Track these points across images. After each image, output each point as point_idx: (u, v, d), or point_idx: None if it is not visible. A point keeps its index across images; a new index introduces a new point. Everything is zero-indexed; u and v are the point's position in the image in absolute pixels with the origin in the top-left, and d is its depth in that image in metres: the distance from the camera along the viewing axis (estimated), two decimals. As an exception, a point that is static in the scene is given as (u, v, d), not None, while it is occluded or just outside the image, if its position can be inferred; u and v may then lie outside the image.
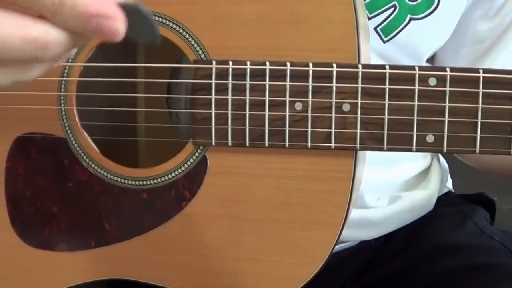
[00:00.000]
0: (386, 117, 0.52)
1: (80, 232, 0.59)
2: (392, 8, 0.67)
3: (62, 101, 0.58)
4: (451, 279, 0.65)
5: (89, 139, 0.58)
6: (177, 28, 0.55)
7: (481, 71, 0.51)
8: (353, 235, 0.70)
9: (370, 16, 0.67)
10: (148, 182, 0.57)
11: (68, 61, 0.57)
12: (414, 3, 0.67)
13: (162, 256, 0.57)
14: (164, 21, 0.55)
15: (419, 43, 0.68)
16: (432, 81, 0.51)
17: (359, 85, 0.52)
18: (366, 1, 0.67)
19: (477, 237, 0.69)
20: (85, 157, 0.58)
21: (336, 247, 0.72)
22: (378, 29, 0.68)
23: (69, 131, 0.58)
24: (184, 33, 0.55)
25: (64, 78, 0.57)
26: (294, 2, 0.53)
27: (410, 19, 0.67)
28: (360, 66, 0.52)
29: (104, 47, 0.57)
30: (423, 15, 0.67)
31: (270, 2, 0.53)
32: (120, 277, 0.59)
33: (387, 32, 0.68)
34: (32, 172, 0.59)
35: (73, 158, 0.58)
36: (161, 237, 0.57)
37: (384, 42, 0.67)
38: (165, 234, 0.57)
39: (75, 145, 0.58)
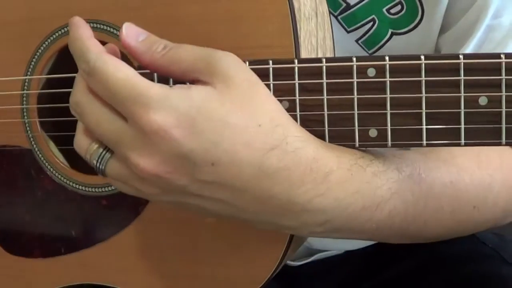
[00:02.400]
0: (326, 113, 0.49)
1: (51, 239, 0.61)
2: (371, 22, 0.63)
3: (25, 114, 0.59)
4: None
5: (52, 149, 0.59)
6: (121, 35, 0.55)
7: (422, 57, 0.47)
8: (338, 245, 0.68)
9: (349, 29, 0.64)
10: (106, 189, 0.57)
11: (27, 74, 0.59)
12: (395, 16, 0.63)
13: (125, 262, 0.58)
14: (110, 29, 0.55)
15: None
16: (371, 72, 0.48)
17: (296, 81, 0.49)
18: (343, 15, 0.64)
19: (469, 243, 0.64)
20: (49, 167, 0.59)
21: (322, 254, 0.70)
22: (360, 42, 0.65)
23: (33, 142, 0.60)
24: (128, 40, 0.55)
25: (24, 92, 0.59)
26: (229, 0, 0.52)
27: (392, 34, 0.64)
28: (296, 61, 0.49)
29: (64, 56, 0.58)
30: (406, 29, 0.63)
31: (205, 1, 0.52)
32: (89, 282, 0.60)
33: (369, 45, 0.65)
34: (5, 183, 0.62)
35: (39, 168, 0.60)
36: (122, 243, 0.57)
37: (369, 54, 0.64)
38: (125, 240, 0.57)
39: (40, 155, 0.60)
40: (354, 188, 0.47)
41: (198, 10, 0.52)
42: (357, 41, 0.64)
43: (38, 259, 0.61)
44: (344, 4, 0.63)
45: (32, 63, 0.59)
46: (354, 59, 0.48)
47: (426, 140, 0.48)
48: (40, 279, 0.62)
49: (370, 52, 0.64)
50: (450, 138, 0.47)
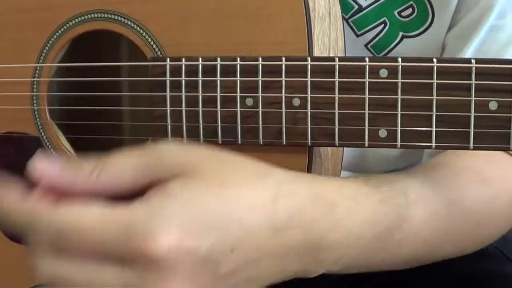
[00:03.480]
0: (336, 111, 0.50)
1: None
2: (382, 25, 0.64)
3: (34, 101, 0.60)
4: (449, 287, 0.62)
5: (60, 137, 0.59)
6: (135, 27, 0.55)
7: (434, 60, 0.47)
8: None
9: (359, 33, 0.64)
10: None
11: (38, 62, 0.59)
12: (406, 19, 0.64)
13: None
14: (124, 20, 0.56)
15: None
16: (383, 73, 0.49)
17: (308, 78, 0.50)
18: (354, 17, 0.64)
19: None
20: (56, 155, 0.59)
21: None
22: (369, 46, 0.65)
23: (41, 130, 0.60)
24: (141, 32, 0.55)
25: (35, 79, 0.59)
26: (246, -5, 0.52)
27: (403, 37, 0.64)
28: (309, 59, 0.50)
29: (76, 45, 0.59)
30: (416, 32, 0.64)
31: (222, -4, 0.53)
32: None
33: (378, 49, 0.65)
34: (12, 170, 0.62)
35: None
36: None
37: None
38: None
39: (47, 143, 0.60)
40: (362, 217, 0.45)
41: (214, 4, 0.53)
42: (366, 45, 0.65)
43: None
44: (356, 6, 0.64)
45: (45, 51, 0.59)
46: (367, 59, 0.49)
47: (435, 142, 0.48)
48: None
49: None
50: (459, 141, 0.48)
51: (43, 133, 0.60)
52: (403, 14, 0.63)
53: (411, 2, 0.63)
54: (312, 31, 0.51)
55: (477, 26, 0.62)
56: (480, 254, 0.60)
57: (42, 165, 0.41)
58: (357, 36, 0.64)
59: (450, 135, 0.48)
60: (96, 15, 0.57)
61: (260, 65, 0.51)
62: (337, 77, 0.49)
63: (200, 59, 0.52)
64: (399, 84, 0.48)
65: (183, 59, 0.53)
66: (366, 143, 0.50)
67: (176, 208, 0.36)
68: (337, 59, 0.49)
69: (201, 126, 0.53)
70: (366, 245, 0.46)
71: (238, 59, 0.51)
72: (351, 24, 0.64)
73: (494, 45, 0.61)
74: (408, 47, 0.64)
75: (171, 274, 0.35)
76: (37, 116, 0.60)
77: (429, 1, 0.62)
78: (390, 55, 0.64)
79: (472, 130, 0.47)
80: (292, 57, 0.50)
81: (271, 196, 0.40)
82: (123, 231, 0.36)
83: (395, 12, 0.63)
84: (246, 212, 0.38)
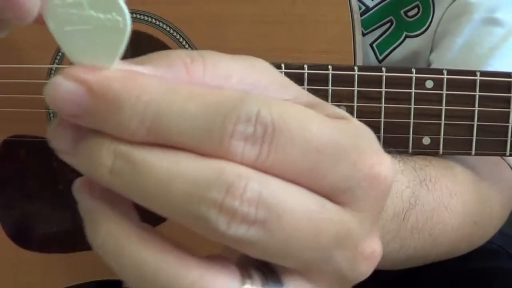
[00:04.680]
0: (382, 120, 0.52)
1: (72, 234, 0.58)
2: (389, 23, 0.65)
3: (50, 103, 0.56)
4: (452, 285, 0.65)
5: (78, 141, 0.57)
6: (168, 29, 0.53)
7: (478, 73, 0.50)
8: None
9: (365, 32, 0.65)
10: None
11: (54, 63, 0.55)
12: (411, 19, 0.65)
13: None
14: (154, 21, 0.53)
15: (412, 61, 0.66)
16: (429, 84, 0.51)
17: (355, 88, 0.51)
18: (362, 18, 0.65)
19: None
20: (75, 160, 0.57)
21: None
22: (374, 45, 0.66)
23: (58, 134, 0.56)
24: (175, 34, 0.53)
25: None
26: (288, 2, 0.52)
27: (406, 37, 0.66)
28: (356, 68, 0.51)
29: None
30: (418, 32, 0.65)
31: (263, 2, 0.52)
32: (114, 278, 0.58)
33: (382, 49, 0.66)
34: (21, 174, 0.58)
35: (62, 160, 0.57)
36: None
37: (379, 62, 0.65)
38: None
39: (65, 147, 0.57)
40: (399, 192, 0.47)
41: (256, 10, 0.52)
42: (371, 44, 0.66)
43: (55, 254, 0.58)
44: (363, 7, 0.65)
45: (61, 51, 0.55)
46: (413, 70, 0.51)
47: (475, 150, 0.51)
48: (55, 275, 0.59)
49: (380, 58, 0.66)
50: (497, 149, 0.51)
51: (59, 137, 0.56)
52: (409, 14, 0.65)
53: (417, 2, 0.65)
54: (356, 39, 0.52)
55: (463, 16, 0.63)
56: (483, 252, 0.63)
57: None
58: (364, 35, 0.66)
59: (489, 144, 0.51)
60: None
61: (306, 73, 0.51)
62: (384, 87, 0.51)
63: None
64: (444, 95, 0.51)
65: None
66: (410, 150, 0.52)
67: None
68: (384, 69, 0.51)
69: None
70: (386, 225, 0.47)
71: (283, 66, 0.51)
72: None
73: (491, 37, 0.62)
74: (408, 47, 0.66)
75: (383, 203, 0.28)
76: (52, 119, 0.56)
77: (433, 1, 0.64)
78: (392, 54, 0.66)
79: (509, 139, 0.51)
80: (338, 66, 0.51)
81: None
82: (351, 140, 0.25)
83: (402, 12, 0.65)
84: None
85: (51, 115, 0.56)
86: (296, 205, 0.24)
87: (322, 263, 0.25)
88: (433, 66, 0.63)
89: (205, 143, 0.22)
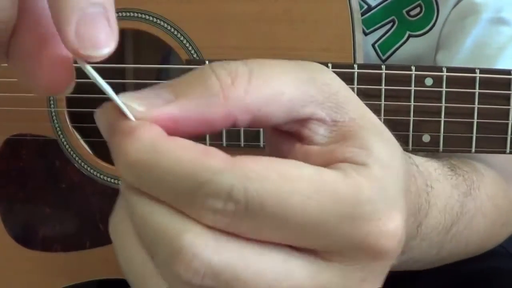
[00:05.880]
0: (382, 117, 0.52)
1: (74, 233, 0.58)
2: (391, 23, 0.65)
3: (51, 103, 0.56)
4: (452, 285, 0.64)
5: (81, 140, 0.57)
6: (169, 28, 0.54)
7: (477, 71, 0.50)
8: None
9: (367, 31, 0.65)
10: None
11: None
12: (414, 18, 0.65)
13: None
14: (155, 20, 0.54)
15: (416, 61, 0.65)
16: (429, 81, 0.51)
17: (355, 86, 0.51)
18: (364, 17, 0.65)
19: None
20: (77, 159, 0.57)
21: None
22: (376, 45, 0.66)
23: (60, 133, 0.57)
24: (176, 33, 0.53)
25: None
26: (288, 0, 0.52)
27: (409, 36, 0.66)
28: (356, 66, 0.51)
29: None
30: (422, 32, 0.65)
31: (263, 0, 0.52)
32: (116, 277, 0.59)
33: (384, 49, 0.66)
34: (23, 173, 0.58)
35: (65, 159, 0.57)
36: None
37: (383, 62, 0.65)
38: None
39: (67, 146, 0.57)
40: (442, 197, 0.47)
41: (256, 8, 0.52)
42: (373, 44, 0.66)
43: (58, 253, 0.59)
44: (366, 6, 0.65)
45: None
46: (413, 67, 0.51)
47: (475, 147, 0.51)
48: (57, 274, 0.59)
49: (383, 57, 0.67)
50: (497, 146, 0.51)
51: (61, 136, 0.57)
52: (412, 13, 0.65)
53: (419, 1, 0.65)
54: (355, 37, 0.52)
55: (470, 17, 0.63)
56: (484, 252, 0.63)
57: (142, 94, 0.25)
58: (366, 35, 0.66)
59: (490, 141, 0.51)
60: (122, 14, 0.54)
61: (306, 71, 0.51)
62: (383, 85, 0.51)
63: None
64: (444, 93, 0.51)
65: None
66: (410, 148, 0.52)
67: (397, 189, 0.26)
68: (383, 67, 0.51)
69: (242, 130, 0.53)
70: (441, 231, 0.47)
71: (283, 64, 0.52)
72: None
73: (498, 37, 0.62)
74: (412, 47, 0.66)
75: (387, 266, 0.27)
76: (54, 118, 0.57)
77: (436, 1, 0.65)
78: (395, 54, 0.67)
79: (509, 136, 0.51)
80: (338, 63, 0.51)
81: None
82: (347, 210, 0.24)
83: (404, 11, 0.65)
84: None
85: (53, 114, 0.57)
86: (254, 272, 0.24)
87: None
88: None
89: (180, 206, 0.24)
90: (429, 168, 0.46)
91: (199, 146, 0.24)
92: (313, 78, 0.26)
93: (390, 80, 0.51)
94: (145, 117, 0.24)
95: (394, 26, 0.66)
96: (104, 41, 0.23)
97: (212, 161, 0.23)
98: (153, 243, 0.24)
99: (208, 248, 0.23)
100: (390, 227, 0.25)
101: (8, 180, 0.58)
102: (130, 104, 0.25)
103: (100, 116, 0.26)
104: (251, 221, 0.23)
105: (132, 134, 0.24)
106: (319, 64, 0.27)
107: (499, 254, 0.66)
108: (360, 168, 0.25)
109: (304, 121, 0.26)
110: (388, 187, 0.25)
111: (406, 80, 0.51)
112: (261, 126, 0.26)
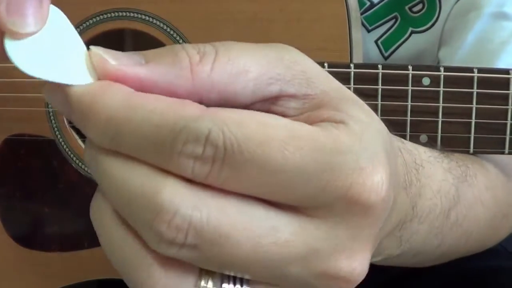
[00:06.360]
0: (379, 117, 0.51)
1: (72, 233, 0.59)
2: (393, 20, 0.65)
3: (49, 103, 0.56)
4: (452, 284, 0.64)
5: (78, 140, 0.57)
6: (165, 27, 0.53)
7: (475, 70, 0.50)
8: None
9: (370, 28, 0.65)
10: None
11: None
12: (416, 15, 0.65)
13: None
14: (150, 19, 0.54)
15: (419, 58, 0.65)
16: (426, 81, 0.50)
17: (352, 85, 0.51)
18: (366, 14, 0.65)
19: None
20: (74, 159, 0.57)
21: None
22: (379, 42, 0.66)
23: (57, 133, 0.57)
24: (172, 32, 0.53)
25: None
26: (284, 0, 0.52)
27: (412, 32, 0.65)
28: (352, 66, 0.51)
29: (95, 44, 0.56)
30: (424, 28, 0.65)
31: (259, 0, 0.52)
32: (114, 277, 0.59)
33: (387, 45, 0.66)
34: (21, 173, 0.58)
35: (63, 159, 0.57)
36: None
37: (385, 59, 0.65)
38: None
39: (64, 146, 0.57)
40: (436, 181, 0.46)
41: (252, 7, 0.52)
42: (376, 41, 0.66)
43: (56, 253, 0.59)
44: (368, 3, 0.65)
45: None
46: (410, 67, 0.50)
47: (473, 148, 0.51)
48: (55, 273, 0.60)
49: (386, 54, 0.66)
50: (495, 146, 0.51)
51: (59, 136, 0.57)
52: (414, 9, 0.65)
53: None
54: (352, 36, 0.52)
55: (472, 12, 0.63)
56: (483, 251, 0.62)
57: (117, 55, 0.25)
58: (368, 31, 0.65)
59: (488, 141, 0.51)
60: (118, 13, 0.54)
61: (302, 71, 0.51)
62: (380, 84, 0.51)
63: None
64: (441, 92, 0.50)
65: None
66: (407, 148, 0.51)
67: (378, 144, 0.26)
68: (380, 66, 0.50)
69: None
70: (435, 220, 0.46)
71: (279, 64, 0.51)
72: (363, 21, 0.65)
73: (502, 32, 0.62)
74: (415, 43, 0.65)
75: (374, 226, 0.26)
76: (52, 118, 0.57)
77: None
78: (398, 51, 0.66)
79: (508, 136, 0.50)
80: (335, 63, 0.51)
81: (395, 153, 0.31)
82: (326, 158, 0.24)
83: (406, 8, 0.65)
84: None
85: (51, 114, 0.57)
86: (236, 227, 0.23)
87: (278, 280, 0.25)
88: (443, 63, 0.63)
89: (158, 160, 0.23)
90: (418, 149, 0.43)
91: (174, 98, 0.24)
92: (281, 57, 0.26)
93: (387, 79, 0.51)
94: (115, 72, 0.24)
95: (397, 23, 0.65)
96: (31, 19, 0.24)
97: (188, 108, 0.23)
98: (131, 205, 0.24)
99: (188, 204, 0.23)
100: (373, 180, 0.25)
101: (6, 180, 0.59)
102: (105, 56, 0.25)
103: (52, 91, 0.26)
104: (230, 169, 0.23)
105: (104, 93, 0.24)
106: (290, 46, 0.27)
107: (499, 253, 0.65)
108: (339, 125, 0.25)
109: (274, 99, 0.26)
110: (368, 141, 0.25)
111: (403, 80, 0.50)
112: (229, 105, 0.25)
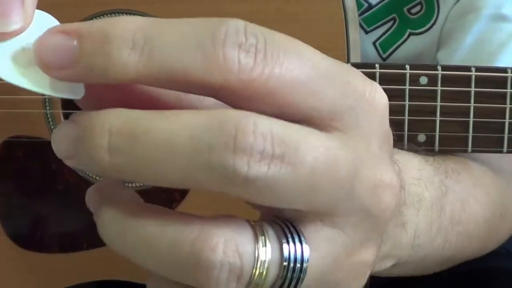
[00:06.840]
0: (376, 117, 0.51)
1: (72, 234, 0.59)
2: (392, 21, 0.65)
3: (47, 105, 0.57)
4: (452, 285, 0.64)
5: (76, 141, 0.57)
6: (162, 28, 0.53)
7: (473, 69, 0.50)
8: None
9: (368, 29, 0.65)
10: (138, 185, 0.56)
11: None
12: (415, 16, 0.65)
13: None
14: (148, 20, 0.54)
15: (417, 59, 0.65)
16: (423, 80, 0.50)
17: (349, 85, 0.51)
18: (364, 15, 0.64)
19: None
20: (73, 160, 0.57)
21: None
22: (377, 43, 0.66)
23: (56, 134, 0.57)
24: (169, 33, 0.53)
25: (48, 81, 0.56)
26: (280, 0, 0.52)
27: (410, 34, 0.65)
28: (349, 65, 0.50)
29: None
30: (422, 29, 0.65)
31: (255, 0, 0.52)
32: (113, 278, 0.59)
33: (385, 47, 0.66)
34: (20, 175, 0.59)
35: (61, 161, 0.57)
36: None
37: (383, 60, 0.65)
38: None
39: (63, 148, 0.57)
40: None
41: (247, 8, 0.52)
42: (374, 43, 0.66)
43: (55, 254, 0.59)
44: (366, 4, 0.65)
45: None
46: (407, 66, 0.50)
47: (471, 147, 0.51)
48: (55, 275, 0.60)
49: (384, 56, 0.66)
50: (493, 145, 0.50)
51: (57, 138, 0.57)
52: (412, 11, 0.65)
53: None
54: (349, 36, 0.52)
55: (470, 14, 0.63)
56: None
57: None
58: (366, 33, 0.65)
59: (486, 140, 0.50)
60: (116, 15, 0.54)
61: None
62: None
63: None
64: (439, 92, 0.50)
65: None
66: (406, 147, 0.51)
67: None
68: (377, 66, 0.50)
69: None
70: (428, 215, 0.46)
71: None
72: (361, 22, 0.65)
73: (499, 33, 0.62)
74: (413, 45, 0.65)
75: (385, 124, 0.28)
76: (50, 120, 0.57)
77: None
78: (396, 52, 0.66)
79: (506, 135, 0.50)
80: (331, 63, 0.51)
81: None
82: (344, 66, 0.27)
83: (405, 9, 0.64)
84: None
85: (48, 115, 0.57)
86: (309, 139, 0.23)
87: (345, 198, 0.25)
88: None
89: (200, 60, 0.22)
90: None
91: None
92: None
93: (384, 79, 0.50)
94: None
95: (395, 24, 0.65)
96: (13, 18, 0.24)
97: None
98: (196, 146, 0.22)
99: (261, 116, 0.23)
100: (377, 85, 0.28)
101: (5, 182, 0.59)
102: None
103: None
104: (272, 60, 0.23)
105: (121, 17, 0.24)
106: None
107: (499, 254, 0.65)
108: None
109: None
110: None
111: (401, 79, 0.50)
112: None
